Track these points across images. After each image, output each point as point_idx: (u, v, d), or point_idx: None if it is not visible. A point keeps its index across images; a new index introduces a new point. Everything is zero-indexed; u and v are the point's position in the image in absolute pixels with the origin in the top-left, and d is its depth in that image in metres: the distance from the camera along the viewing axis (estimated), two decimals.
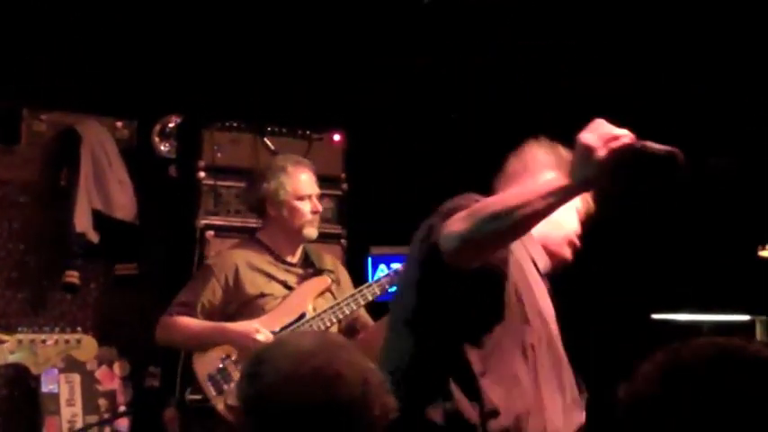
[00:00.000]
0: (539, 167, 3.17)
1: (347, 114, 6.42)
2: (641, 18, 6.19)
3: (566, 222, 3.24)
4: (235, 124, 6.27)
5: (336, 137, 6.39)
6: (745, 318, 6.39)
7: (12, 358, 3.70)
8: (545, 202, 2.60)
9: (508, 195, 2.78)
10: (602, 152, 2.47)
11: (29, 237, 6.46)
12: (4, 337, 3.81)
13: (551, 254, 3.25)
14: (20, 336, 3.69)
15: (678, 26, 6.19)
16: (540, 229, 2.97)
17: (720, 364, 1.68)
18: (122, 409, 6.35)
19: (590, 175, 2.51)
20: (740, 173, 6.58)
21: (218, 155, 6.20)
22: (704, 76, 6.36)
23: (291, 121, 6.34)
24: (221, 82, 6.38)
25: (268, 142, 6.21)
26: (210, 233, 6.04)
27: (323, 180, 5.36)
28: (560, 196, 2.60)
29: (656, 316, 6.43)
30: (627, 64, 6.45)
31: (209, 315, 4.98)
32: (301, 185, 5.03)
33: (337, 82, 6.54)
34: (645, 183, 2.56)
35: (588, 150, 2.48)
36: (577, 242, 3.26)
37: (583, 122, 2.59)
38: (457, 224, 2.68)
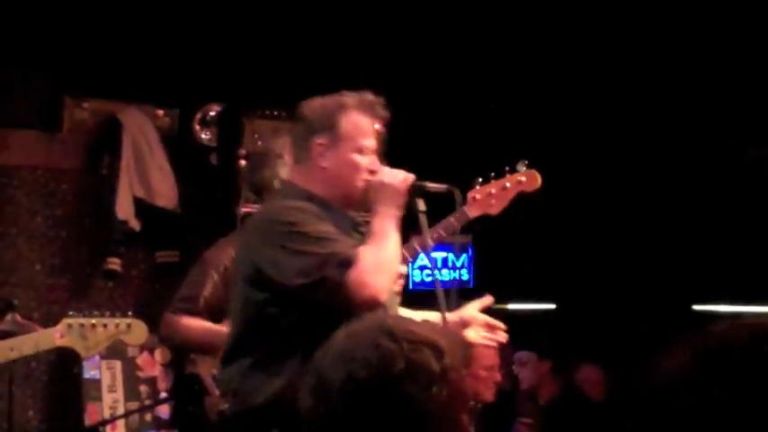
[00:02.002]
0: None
1: (384, 102, 6.41)
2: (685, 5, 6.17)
3: (356, 168, 3.64)
4: (275, 112, 6.29)
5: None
6: None
7: (61, 342, 3.70)
8: (395, 238, 3.52)
9: (379, 254, 3.48)
10: (403, 188, 3.55)
11: (71, 224, 6.50)
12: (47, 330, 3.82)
13: (351, 199, 3.66)
14: (69, 320, 3.69)
15: (720, 16, 6.16)
16: (339, 182, 3.62)
17: (752, 344, 1.66)
18: (163, 395, 6.37)
19: (399, 202, 3.54)
20: None
21: (259, 143, 6.20)
22: (743, 67, 6.33)
23: None
24: (262, 71, 6.39)
25: None
26: None
27: None
28: (394, 227, 3.53)
29: (697, 307, 6.42)
30: (668, 55, 6.43)
31: (212, 307, 4.85)
32: None
33: (376, 70, 6.54)
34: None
35: (391, 187, 3.54)
36: (370, 174, 3.64)
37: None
38: (365, 288, 3.39)
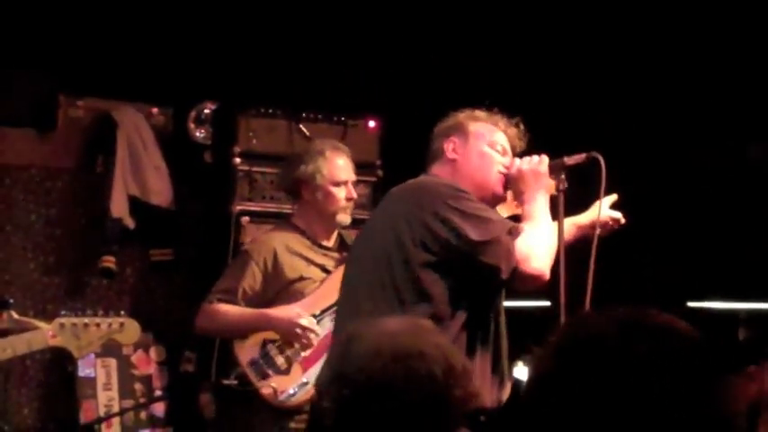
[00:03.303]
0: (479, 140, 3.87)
1: (383, 100, 6.41)
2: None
3: (488, 157, 3.83)
4: (270, 110, 6.28)
5: (372, 123, 6.39)
6: None
7: (54, 342, 3.70)
8: (549, 220, 3.66)
9: (540, 233, 3.60)
10: (543, 169, 3.71)
11: (65, 222, 6.49)
12: (42, 325, 3.82)
13: (484, 190, 3.79)
14: (62, 320, 3.69)
15: (719, 13, 6.17)
16: (469, 172, 3.79)
17: (616, 335, 1.62)
18: (158, 393, 6.37)
19: (543, 185, 3.70)
20: None
21: (254, 141, 6.21)
22: (744, 63, 6.33)
23: (327, 107, 6.34)
24: (257, 68, 6.38)
25: (303, 128, 6.22)
26: (245, 219, 6.06)
27: (358, 166, 5.34)
28: (546, 212, 3.68)
29: (691, 304, 6.41)
30: (667, 55, 6.43)
31: (251, 301, 4.95)
32: (338, 171, 5.00)
33: (373, 68, 6.54)
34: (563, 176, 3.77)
35: (530, 173, 3.70)
36: (506, 171, 3.82)
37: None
38: (529, 262, 3.51)
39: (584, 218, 4.08)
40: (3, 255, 6.34)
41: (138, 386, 6.36)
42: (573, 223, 3.97)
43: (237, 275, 4.98)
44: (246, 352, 4.96)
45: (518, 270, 3.49)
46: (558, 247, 3.65)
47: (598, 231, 3.87)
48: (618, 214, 4.17)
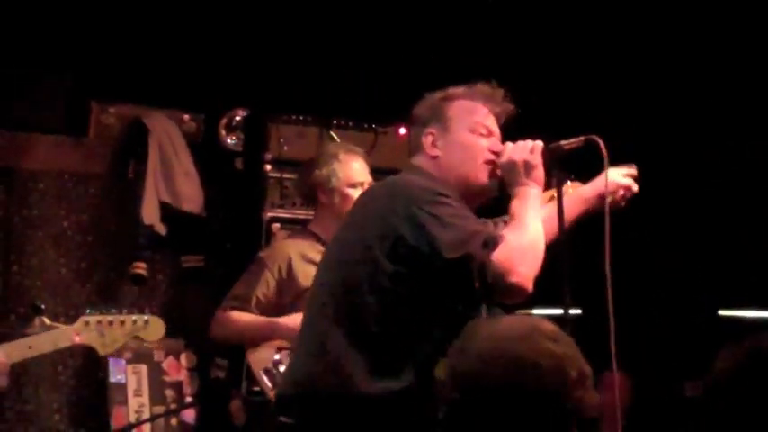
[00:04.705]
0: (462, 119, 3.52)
1: (413, 107, 6.40)
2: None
3: (471, 147, 3.49)
4: (301, 117, 6.30)
5: (402, 130, 6.39)
6: None
7: (78, 339, 3.70)
8: (539, 219, 3.28)
9: (525, 239, 3.20)
10: (536, 159, 3.33)
11: (97, 228, 6.52)
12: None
13: (470, 185, 3.46)
14: (86, 318, 3.70)
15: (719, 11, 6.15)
16: (453, 167, 3.45)
17: None
18: (189, 400, 6.38)
19: (536, 176, 3.33)
20: None
21: (285, 148, 6.23)
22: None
23: (357, 114, 6.35)
24: (287, 75, 6.40)
25: (334, 135, 6.23)
26: (276, 225, 6.08)
27: (388, 173, 5.31)
28: (536, 207, 3.31)
29: (723, 312, 6.37)
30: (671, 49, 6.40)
31: (264, 308, 4.94)
32: (353, 173, 4.97)
33: (403, 75, 6.53)
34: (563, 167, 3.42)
35: (522, 163, 3.33)
36: (494, 157, 3.45)
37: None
38: (508, 276, 3.12)
39: (590, 189, 3.72)
40: (35, 260, 6.36)
41: (168, 392, 6.37)
42: (578, 196, 3.71)
43: (252, 283, 4.98)
44: (260, 359, 4.93)
45: (496, 285, 3.12)
46: (561, 242, 3.35)
47: (608, 209, 3.51)
48: (629, 181, 3.76)
